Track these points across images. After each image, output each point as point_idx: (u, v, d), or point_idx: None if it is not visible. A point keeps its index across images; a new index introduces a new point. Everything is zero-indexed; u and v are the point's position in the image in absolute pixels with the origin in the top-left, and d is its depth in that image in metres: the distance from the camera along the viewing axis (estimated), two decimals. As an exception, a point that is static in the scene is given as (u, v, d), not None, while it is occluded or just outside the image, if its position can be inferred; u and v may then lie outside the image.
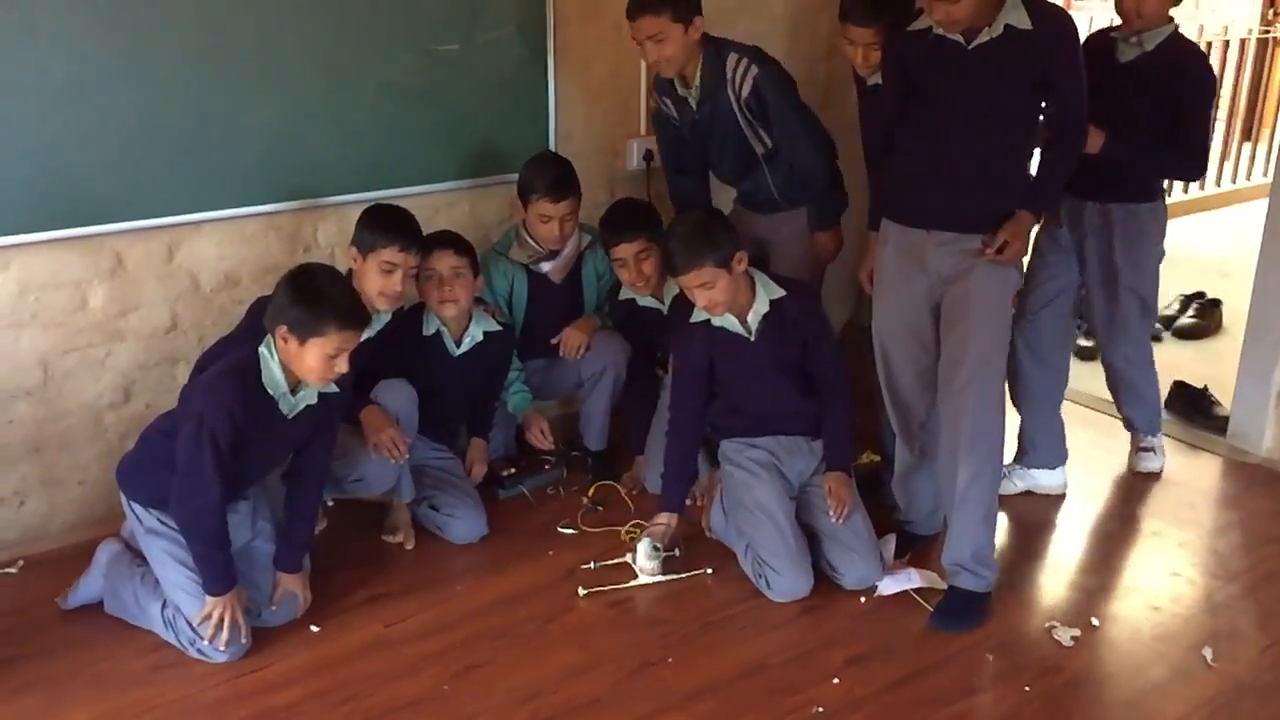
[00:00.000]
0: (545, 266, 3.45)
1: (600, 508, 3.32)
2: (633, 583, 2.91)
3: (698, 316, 2.97)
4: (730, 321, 2.96)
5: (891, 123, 2.85)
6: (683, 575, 2.92)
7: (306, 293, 2.49)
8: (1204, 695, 2.55)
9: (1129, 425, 3.58)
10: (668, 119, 3.48)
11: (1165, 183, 3.49)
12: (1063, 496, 3.43)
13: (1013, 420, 3.24)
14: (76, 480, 3.10)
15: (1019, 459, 3.45)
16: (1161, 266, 3.30)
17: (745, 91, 3.24)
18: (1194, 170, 3.40)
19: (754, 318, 2.97)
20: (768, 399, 3.08)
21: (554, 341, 3.48)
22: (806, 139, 3.31)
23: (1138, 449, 3.57)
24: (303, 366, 2.52)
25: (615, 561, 2.97)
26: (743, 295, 2.95)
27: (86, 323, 3.01)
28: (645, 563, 2.92)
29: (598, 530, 3.20)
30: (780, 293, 3.00)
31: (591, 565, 2.96)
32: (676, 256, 2.85)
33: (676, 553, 2.95)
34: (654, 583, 2.91)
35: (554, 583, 2.97)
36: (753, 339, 2.98)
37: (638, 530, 3.08)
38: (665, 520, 3.03)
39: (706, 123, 3.36)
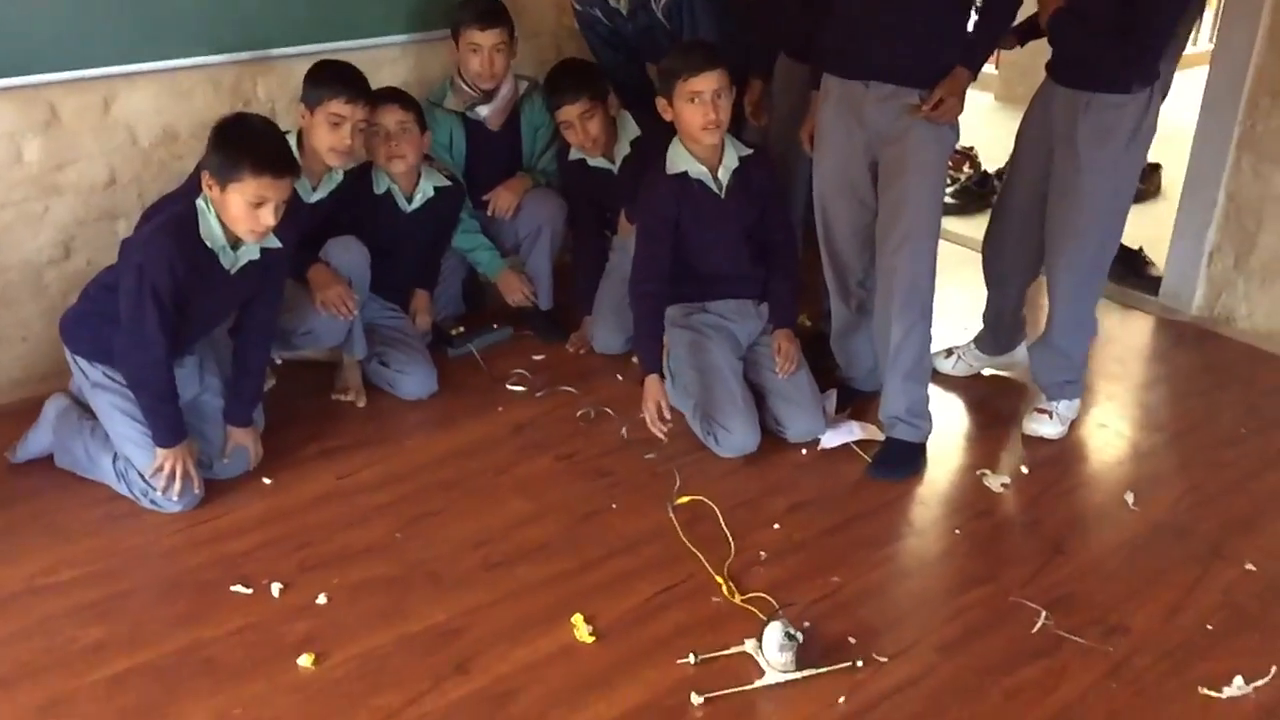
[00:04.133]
0: (482, 112, 3.41)
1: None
2: (759, 683, 2.18)
3: (673, 169, 2.98)
4: (703, 173, 2.98)
5: None
6: (824, 669, 2.20)
7: (228, 137, 2.47)
8: (1124, 536, 2.68)
9: (1035, 380, 3.17)
10: (595, 21, 3.49)
11: (1154, 74, 2.77)
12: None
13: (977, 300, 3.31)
14: (20, 337, 3.08)
15: (987, 343, 3.35)
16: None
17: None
18: (1137, 71, 2.73)
19: (724, 172, 2.99)
20: (725, 261, 3.11)
21: (485, 199, 3.48)
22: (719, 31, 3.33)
23: (1035, 408, 3.12)
24: (228, 215, 2.49)
25: (731, 651, 2.25)
26: (714, 152, 2.97)
27: (22, 176, 2.95)
28: (777, 656, 2.19)
29: (559, 393, 3.24)
30: (747, 151, 3.03)
31: (692, 659, 2.21)
32: (689, 59, 2.86)
33: (801, 638, 2.21)
34: (787, 681, 2.18)
35: (503, 437, 3.03)
36: (723, 195, 3.00)
37: (725, 577, 2.48)
38: (654, 391, 2.89)
39: (643, 30, 3.40)
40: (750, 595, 2.39)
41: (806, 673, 2.18)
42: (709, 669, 2.21)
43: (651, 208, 3.03)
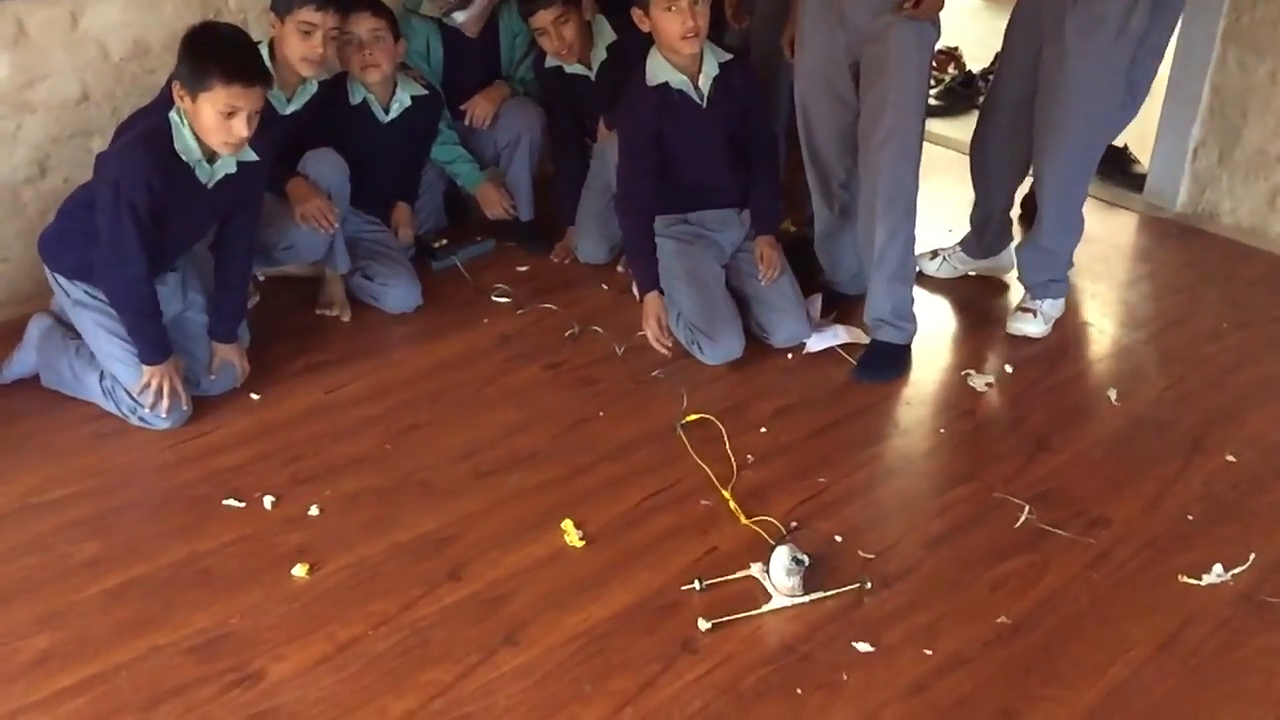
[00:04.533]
0: (459, 17, 3.35)
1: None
2: (767, 607, 2.17)
3: (653, 80, 2.93)
4: (684, 83, 2.94)
5: None
6: (830, 592, 2.20)
7: (197, 46, 2.43)
8: (1106, 431, 2.71)
9: (1021, 279, 3.17)
10: None
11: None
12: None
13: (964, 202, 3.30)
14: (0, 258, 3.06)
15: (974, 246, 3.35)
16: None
17: None
18: None
19: (705, 80, 2.95)
20: (707, 171, 3.08)
21: (462, 109, 3.43)
22: None
23: (1019, 307, 3.12)
24: (200, 126, 2.46)
25: (736, 576, 2.24)
26: (693, 61, 2.93)
27: (-8, 94, 2.91)
28: (784, 581, 2.19)
29: (542, 308, 3.23)
30: (726, 57, 2.99)
31: (697, 586, 2.20)
32: None
33: (808, 560, 2.20)
34: (793, 605, 2.18)
35: (490, 349, 3.03)
36: (704, 104, 2.96)
37: (731, 494, 2.46)
38: (655, 308, 2.86)
39: None
40: (757, 519, 2.38)
41: (814, 596, 2.19)
42: (715, 595, 2.20)
43: (633, 122, 2.99)
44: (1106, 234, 3.68)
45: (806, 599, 2.18)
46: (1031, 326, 3.07)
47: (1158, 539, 2.36)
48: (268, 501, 2.43)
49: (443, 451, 2.61)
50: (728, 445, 2.61)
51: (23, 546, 2.29)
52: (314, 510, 2.41)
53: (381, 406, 2.78)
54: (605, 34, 3.36)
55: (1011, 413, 2.79)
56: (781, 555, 2.19)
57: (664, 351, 2.88)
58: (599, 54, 3.37)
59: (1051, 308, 3.10)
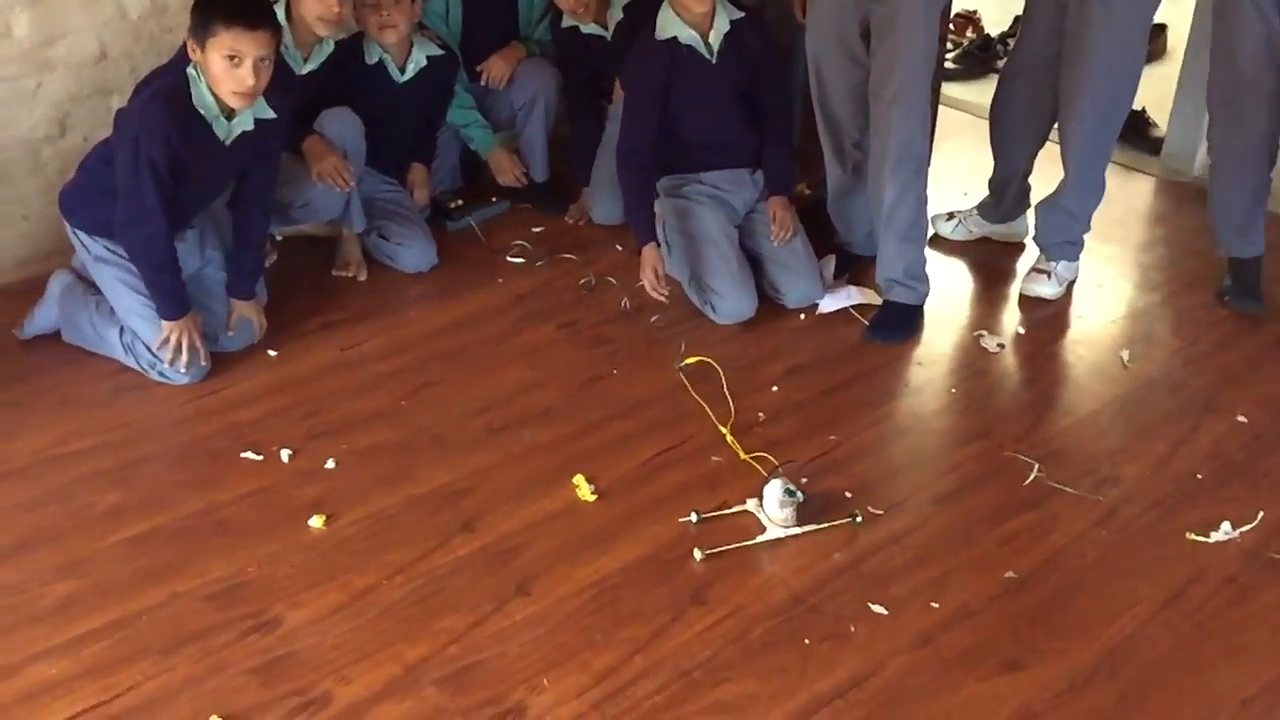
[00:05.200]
0: None
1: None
2: (760, 538, 2.25)
3: (663, 34, 2.95)
4: (694, 38, 2.94)
5: None
6: (824, 525, 2.28)
7: None
8: (1117, 391, 2.72)
9: (1036, 240, 3.16)
10: None
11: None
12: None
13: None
14: (20, 215, 3.09)
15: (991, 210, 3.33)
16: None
17: None
18: None
19: (715, 36, 2.96)
20: (717, 129, 3.09)
21: (478, 69, 3.44)
22: None
23: (1033, 268, 3.14)
24: (211, 78, 2.48)
25: (733, 510, 2.33)
26: (704, 18, 2.93)
27: (13, 52, 2.91)
28: (778, 512, 2.26)
29: (562, 258, 3.26)
30: (739, 14, 2.99)
31: (693, 518, 2.29)
32: None
33: (803, 496, 2.28)
34: (787, 536, 2.26)
35: (504, 308, 3.05)
36: (714, 60, 2.97)
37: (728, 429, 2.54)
38: (651, 258, 2.92)
39: None
40: (754, 454, 2.44)
41: (808, 528, 2.25)
42: (710, 527, 2.27)
43: (639, 75, 3.01)
44: (1123, 197, 3.66)
45: (799, 530, 2.25)
46: (1045, 288, 3.07)
47: (1166, 497, 2.37)
48: (285, 454, 2.46)
49: (457, 407, 2.64)
50: (725, 387, 2.64)
51: (44, 496, 2.33)
52: (330, 464, 2.44)
53: (397, 363, 2.80)
54: None
55: (1024, 373, 2.81)
56: (774, 488, 2.26)
57: (661, 298, 2.92)
58: (615, 14, 3.37)
59: (1066, 270, 3.10)
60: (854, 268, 3.19)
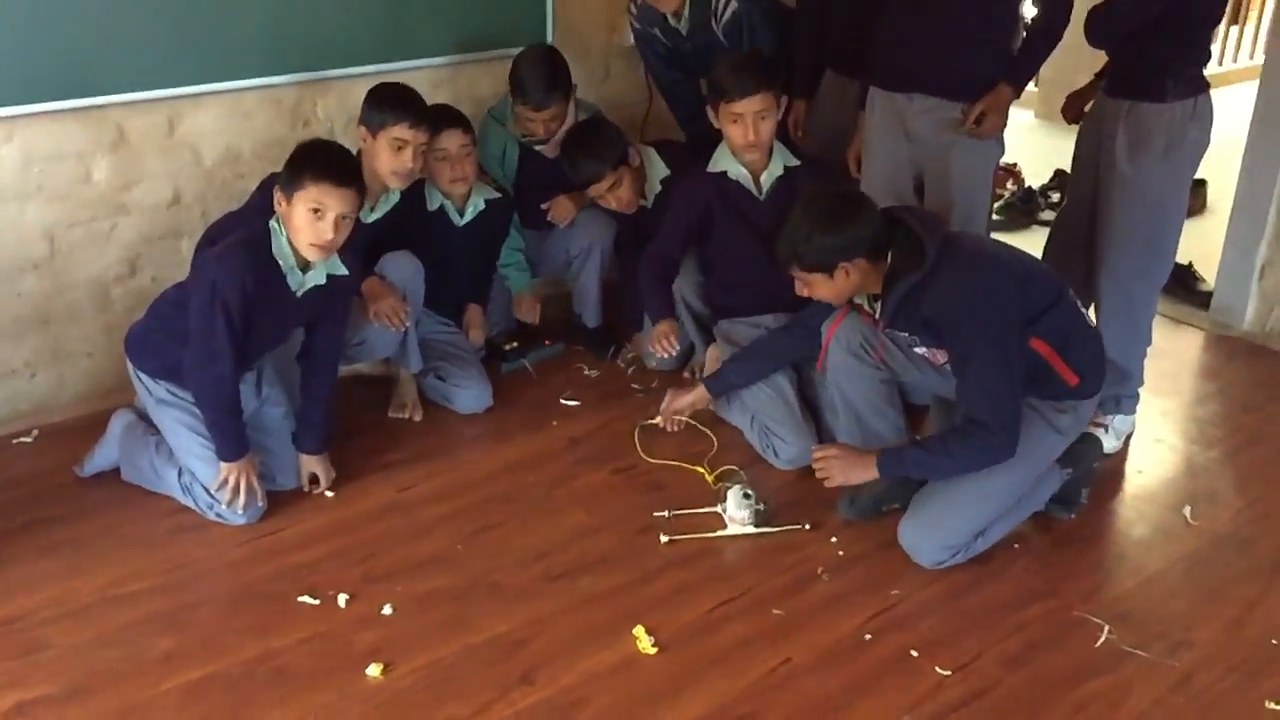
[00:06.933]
0: (538, 144, 3.46)
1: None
2: (721, 532, 2.68)
3: (715, 167, 3.06)
4: (744, 175, 3.03)
5: None
6: (776, 529, 2.69)
7: (297, 153, 2.56)
8: (1184, 550, 2.67)
9: None
10: (653, 40, 3.52)
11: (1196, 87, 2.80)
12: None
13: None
14: (85, 352, 3.14)
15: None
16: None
17: (725, 18, 3.33)
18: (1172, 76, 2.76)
19: (767, 178, 3.04)
20: (765, 269, 3.12)
21: (544, 207, 3.51)
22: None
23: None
24: (292, 228, 2.54)
25: (701, 511, 2.75)
26: (757, 163, 3.04)
27: (91, 195, 3.01)
28: (736, 512, 2.69)
29: (610, 405, 3.28)
30: (796, 161, 3.07)
31: (666, 514, 2.73)
32: (736, 79, 2.91)
33: (764, 507, 2.70)
34: (744, 534, 2.67)
35: (559, 451, 3.05)
36: (762, 198, 3.03)
37: (710, 470, 2.92)
38: (665, 328, 3.13)
39: (701, 49, 3.41)
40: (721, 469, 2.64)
41: (763, 530, 2.64)
42: (679, 523, 2.70)
43: (684, 195, 3.17)
44: (1173, 350, 3.67)
45: (754, 530, 2.66)
46: (1103, 442, 3.05)
47: (1242, 663, 2.31)
48: (342, 599, 2.44)
49: (513, 553, 2.62)
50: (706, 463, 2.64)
51: (102, 639, 2.31)
52: (388, 609, 2.41)
53: (453, 506, 2.80)
54: (658, 169, 3.45)
55: (1086, 529, 2.76)
56: (735, 492, 2.70)
57: (664, 355, 3.15)
58: (653, 187, 3.45)
59: (1123, 423, 3.08)
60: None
